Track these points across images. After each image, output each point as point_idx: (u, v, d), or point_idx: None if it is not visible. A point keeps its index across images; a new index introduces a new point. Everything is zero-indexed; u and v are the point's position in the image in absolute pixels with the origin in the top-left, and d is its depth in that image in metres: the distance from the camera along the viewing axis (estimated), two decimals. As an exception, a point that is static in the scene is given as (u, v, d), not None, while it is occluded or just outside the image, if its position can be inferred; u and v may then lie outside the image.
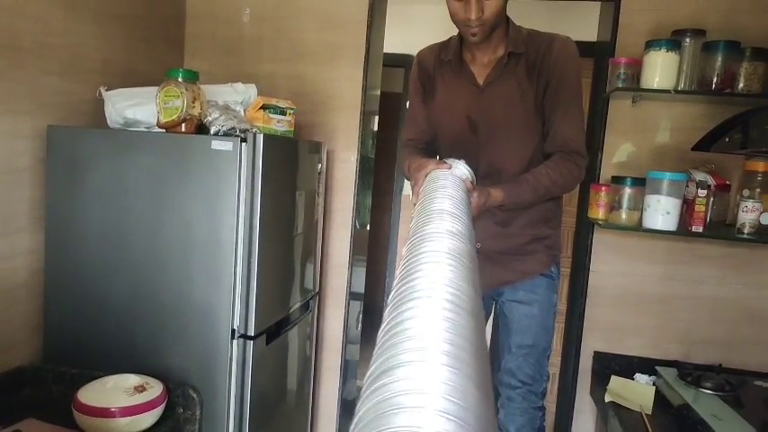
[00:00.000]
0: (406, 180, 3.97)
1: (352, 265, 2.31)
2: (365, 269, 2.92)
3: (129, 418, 1.29)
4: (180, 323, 1.49)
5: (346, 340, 2.39)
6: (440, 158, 1.52)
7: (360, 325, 2.98)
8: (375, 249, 3.89)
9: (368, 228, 2.94)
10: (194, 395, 1.45)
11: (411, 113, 1.63)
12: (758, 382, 1.87)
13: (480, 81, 1.47)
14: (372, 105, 2.31)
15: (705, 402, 1.67)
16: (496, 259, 1.54)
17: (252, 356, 1.49)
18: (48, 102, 1.57)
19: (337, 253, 2.26)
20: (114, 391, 1.34)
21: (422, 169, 1.27)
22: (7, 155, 1.46)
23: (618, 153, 2.03)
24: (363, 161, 2.28)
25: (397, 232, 4.24)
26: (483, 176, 1.47)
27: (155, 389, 1.37)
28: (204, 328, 1.48)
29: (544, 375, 1.56)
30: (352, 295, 2.37)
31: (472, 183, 1.29)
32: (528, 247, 1.54)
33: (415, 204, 1.16)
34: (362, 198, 2.33)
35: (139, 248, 1.51)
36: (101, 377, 1.40)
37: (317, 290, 2.11)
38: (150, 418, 1.34)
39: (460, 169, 1.28)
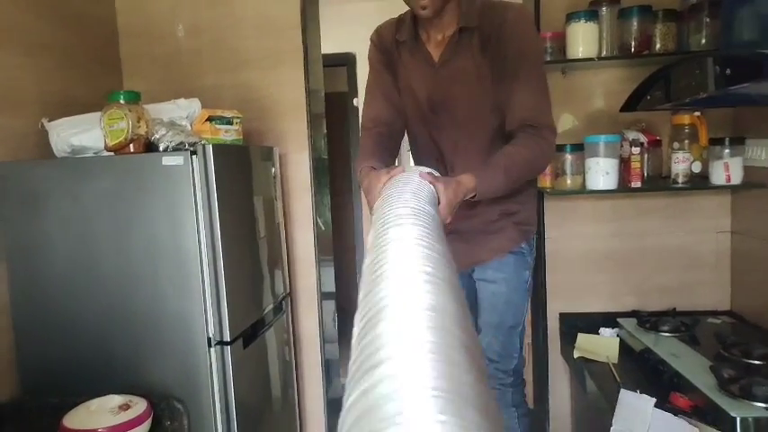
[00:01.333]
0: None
1: (319, 264, 2.36)
2: (333, 269, 2.97)
3: (116, 437, 1.31)
4: (156, 337, 1.52)
5: (324, 340, 2.43)
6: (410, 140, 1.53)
7: (336, 324, 3.03)
8: (342, 249, 3.94)
9: (330, 228, 2.98)
10: (179, 406, 1.48)
11: (370, 91, 1.54)
12: (710, 320, 2.01)
13: (435, 59, 1.41)
14: (318, 107, 2.35)
15: (664, 344, 1.78)
16: (466, 238, 1.51)
17: (231, 361, 1.53)
18: (-9, 139, 1.57)
19: (303, 254, 2.31)
20: (99, 413, 1.36)
21: (374, 188, 1.14)
22: (-44, 196, 1.46)
23: (557, 123, 2.13)
24: (317, 162, 2.33)
25: (361, 230, 4.30)
26: (449, 161, 1.47)
27: (139, 405, 1.39)
28: (180, 339, 1.51)
29: (514, 353, 1.55)
30: (323, 295, 2.41)
31: (434, 174, 1.19)
32: (496, 224, 1.51)
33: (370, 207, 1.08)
34: (321, 198, 2.38)
35: (106, 270, 1.52)
36: (84, 402, 1.41)
37: (288, 290, 2.15)
38: (138, 433, 1.36)
39: (423, 169, 1.20)
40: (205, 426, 1.52)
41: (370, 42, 1.54)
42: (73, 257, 1.54)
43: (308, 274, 2.32)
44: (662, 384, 1.54)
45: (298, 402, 2.26)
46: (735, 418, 1.28)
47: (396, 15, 1.52)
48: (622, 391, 1.28)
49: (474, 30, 1.37)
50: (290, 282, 2.22)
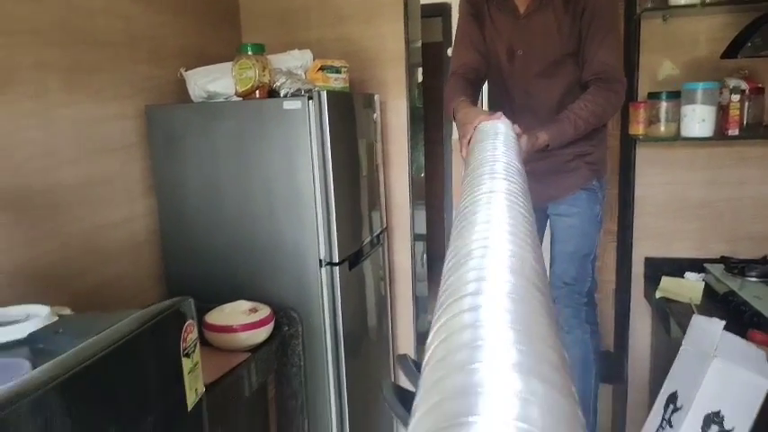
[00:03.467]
0: (454, 125, 4.15)
1: (413, 204, 2.54)
2: (425, 212, 3.16)
3: (247, 333, 1.59)
4: (276, 259, 1.78)
5: (415, 276, 2.65)
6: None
7: (425, 264, 3.24)
8: (433, 196, 4.11)
9: (423, 175, 3.15)
10: (295, 315, 1.74)
11: (460, 39, 1.71)
12: (804, 269, 2.00)
13: (521, 11, 1.58)
14: (416, 57, 2.49)
15: (749, 288, 1.82)
16: (540, 177, 1.64)
17: (339, 279, 1.76)
18: (142, 86, 1.85)
19: (399, 194, 2.50)
20: (232, 314, 1.64)
21: (470, 122, 1.33)
22: (120, 133, 1.76)
23: (655, 70, 2.13)
24: (412, 111, 2.48)
25: (451, 178, 4.43)
26: (519, 109, 1.60)
27: (264, 310, 1.67)
28: (296, 260, 1.77)
29: (588, 277, 1.74)
30: (416, 237, 2.60)
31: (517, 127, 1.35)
32: (570, 165, 1.69)
33: (464, 158, 1.27)
34: (415, 143, 2.54)
35: (234, 200, 1.79)
36: (219, 306, 1.71)
37: (385, 226, 2.36)
38: (264, 333, 1.64)
39: (505, 120, 1.33)
40: (316, 333, 1.79)
41: None
42: (207, 191, 1.82)
43: (402, 214, 2.51)
44: (742, 323, 1.60)
45: (391, 327, 2.51)
46: (809, 352, 1.34)
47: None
48: (695, 316, 1.38)
49: None
50: (386, 219, 2.43)
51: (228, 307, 1.69)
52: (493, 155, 0.92)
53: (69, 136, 1.58)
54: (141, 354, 0.72)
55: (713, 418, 1.20)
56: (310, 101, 1.67)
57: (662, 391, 1.31)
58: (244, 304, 1.69)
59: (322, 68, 1.86)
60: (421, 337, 2.69)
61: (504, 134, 1.15)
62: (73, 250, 1.59)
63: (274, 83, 1.75)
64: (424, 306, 3.09)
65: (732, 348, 1.18)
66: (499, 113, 1.36)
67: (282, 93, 1.73)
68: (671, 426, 1.25)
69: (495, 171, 0.77)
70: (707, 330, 1.20)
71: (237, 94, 1.77)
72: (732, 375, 1.16)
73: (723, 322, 1.19)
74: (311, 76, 1.87)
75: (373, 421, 2.16)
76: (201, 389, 0.87)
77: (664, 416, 1.28)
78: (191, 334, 0.83)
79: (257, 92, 1.74)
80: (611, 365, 2.48)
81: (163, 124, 1.83)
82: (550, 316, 0.41)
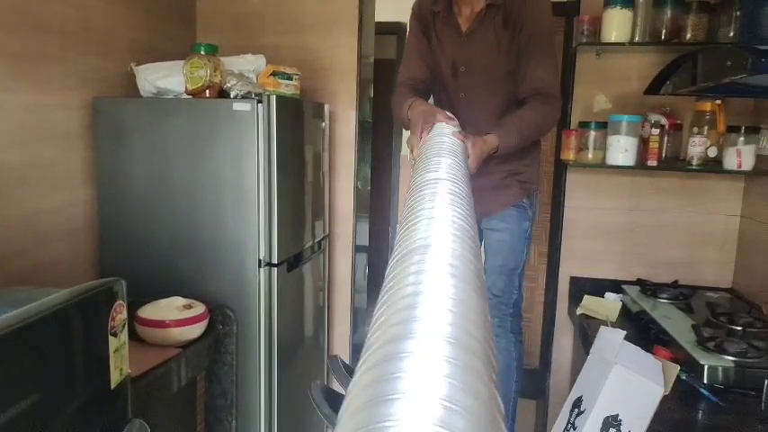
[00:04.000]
0: (403, 143, 4.26)
1: (356, 216, 2.60)
2: (368, 225, 3.23)
3: (180, 329, 1.60)
4: (215, 257, 1.80)
5: (354, 287, 2.70)
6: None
7: (366, 276, 3.30)
8: (377, 210, 4.18)
9: (369, 188, 3.22)
10: (231, 314, 1.76)
11: (409, 52, 1.80)
12: (709, 294, 2.18)
13: (464, 30, 1.67)
14: (368, 72, 2.57)
15: (660, 309, 1.97)
16: (478, 194, 1.79)
17: (276, 280, 1.80)
18: (90, 77, 1.85)
19: (343, 204, 2.55)
20: (167, 309, 1.65)
21: (428, 117, 1.42)
22: (63, 123, 1.75)
23: (588, 101, 2.29)
24: (362, 124, 2.55)
25: (397, 193, 4.53)
26: (462, 120, 1.71)
27: (198, 307, 1.68)
28: (235, 259, 1.79)
29: (514, 290, 1.84)
30: (357, 248, 2.66)
31: (464, 134, 1.44)
32: (504, 182, 1.78)
33: (413, 157, 1.34)
34: (363, 155, 2.61)
35: (178, 196, 1.81)
36: (154, 301, 1.71)
37: (327, 233, 2.41)
38: (197, 329, 1.65)
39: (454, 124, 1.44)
40: (250, 333, 1.81)
41: (411, 10, 1.79)
42: (150, 185, 1.82)
43: (345, 224, 2.57)
44: (648, 339, 1.74)
45: (327, 336, 2.54)
46: (703, 366, 1.48)
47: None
48: (601, 327, 1.49)
49: (500, 6, 1.60)
50: (329, 227, 2.48)
51: (163, 302, 1.69)
52: (439, 156, 0.98)
53: (13, 121, 1.56)
54: (68, 326, 0.74)
55: (611, 422, 1.30)
56: (260, 104, 1.72)
57: (569, 396, 1.41)
58: (179, 300, 1.69)
59: (273, 74, 1.91)
60: (357, 348, 2.73)
61: (448, 140, 1.22)
62: (11, 231, 1.57)
63: (225, 84, 1.79)
64: (362, 318, 3.14)
65: (631, 357, 1.29)
66: (451, 118, 1.46)
67: (233, 94, 1.77)
68: (574, 428, 1.35)
69: (438, 179, 0.80)
70: (610, 340, 1.31)
71: (187, 92, 1.79)
72: (630, 381, 1.27)
73: (624, 332, 1.30)
74: (262, 80, 1.91)
75: (303, 425, 2.19)
76: (127, 370, 0.90)
77: (569, 419, 1.38)
78: (120, 314, 0.86)
79: (207, 91, 1.77)
80: (535, 381, 2.60)
81: (110, 117, 1.83)
82: (485, 325, 0.42)
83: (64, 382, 0.74)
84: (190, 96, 1.80)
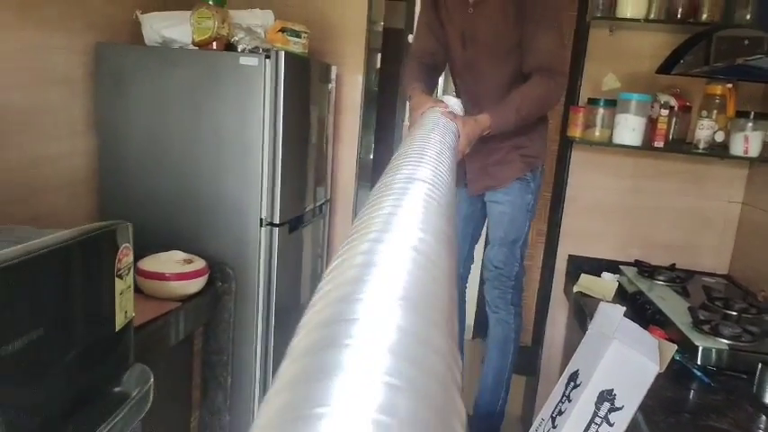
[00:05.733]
0: (407, 113, 4.22)
1: (358, 182, 2.58)
2: (369, 194, 3.20)
3: (180, 282, 1.60)
4: (217, 214, 1.78)
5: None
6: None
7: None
8: (378, 178, 4.15)
9: (371, 157, 3.20)
10: (230, 272, 1.76)
11: (419, 25, 1.83)
12: (705, 279, 2.19)
13: (471, 1, 1.66)
14: (376, 41, 2.52)
15: (656, 290, 1.98)
16: (481, 168, 1.81)
17: (277, 240, 1.79)
18: (94, 22, 1.80)
19: (345, 170, 2.53)
20: (167, 262, 1.64)
21: (419, 107, 1.49)
22: (63, 67, 1.71)
23: (598, 78, 2.26)
24: (367, 92, 2.51)
25: (397, 164, 4.50)
26: (470, 93, 1.70)
27: (198, 262, 1.67)
28: (237, 217, 1.77)
29: (515, 262, 1.86)
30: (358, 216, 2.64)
31: (455, 115, 1.50)
32: (507, 157, 1.79)
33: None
34: (367, 120, 2.58)
35: (180, 150, 1.78)
36: (154, 254, 1.69)
37: (329, 197, 2.40)
38: (196, 284, 1.64)
39: (452, 104, 1.50)
40: (249, 292, 1.81)
41: None
42: (152, 137, 1.79)
43: (346, 190, 2.55)
44: (644, 319, 1.75)
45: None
46: (698, 347, 1.49)
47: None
48: (601, 302, 1.50)
49: None
50: (330, 192, 2.46)
51: (164, 255, 1.68)
52: (421, 146, 0.96)
53: (16, 61, 1.52)
54: (73, 264, 0.73)
55: (606, 396, 1.31)
56: (267, 59, 1.68)
57: (566, 369, 1.42)
58: (179, 254, 1.68)
59: (282, 30, 1.87)
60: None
61: (443, 127, 1.24)
62: (11, 177, 1.54)
63: (232, 37, 1.75)
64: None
65: (630, 333, 1.30)
66: (444, 104, 1.50)
67: (240, 48, 1.73)
68: (569, 401, 1.36)
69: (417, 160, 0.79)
70: (609, 315, 1.31)
71: (194, 44, 1.75)
72: (627, 357, 1.28)
73: (623, 308, 1.30)
74: (271, 36, 1.87)
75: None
76: (131, 313, 0.89)
77: (564, 392, 1.39)
78: (126, 257, 0.84)
79: (214, 43, 1.73)
80: (527, 358, 2.63)
81: (113, 64, 1.79)
82: (449, 297, 0.38)
83: (68, 320, 0.73)
84: (196, 48, 1.76)
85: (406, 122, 4.11)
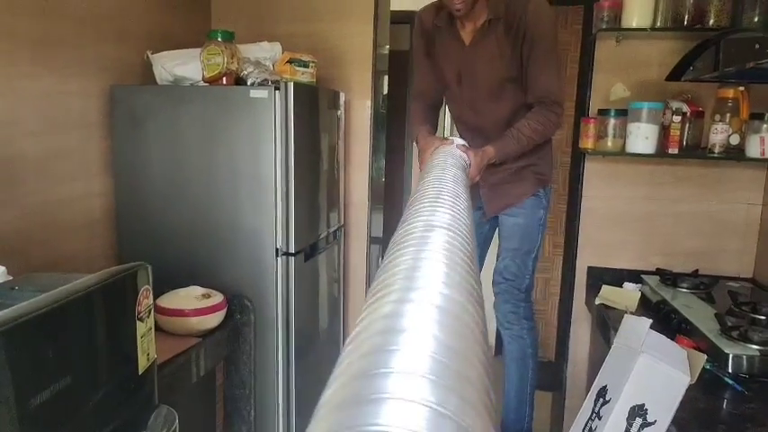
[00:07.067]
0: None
1: (371, 205, 2.59)
2: (382, 215, 3.21)
3: (199, 318, 1.60)
4: (233, 246, 1.80)
5: (369, 278, 2.69)
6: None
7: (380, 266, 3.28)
8: (391, 202, 4.16)
9: (383, 179, 3.21)
10: (248, 303, 1.76)
11: (416, 66, 1.90)
12: (730, 284, 2.15)
13: (467, 43, 1.72)
14: (383, 64, 2.54)
15: (680, 298, 1.94)
16: (495, 188, 1.85)
17: (294, 270, 1.79)
18: (107, 66, 1.84)
19: (357, 194, 2.54)
20: (186, 298, 1.65)
21: (427, 148, 1.57)
22: (80, 111, 1.75)
23: (607, 89, 2.26)
24: (376, 115, 2.53)
25: (410, 186, 4.51)
26: (472, 130, 1.77)
27: (217, 297, 1.68)
28: (253, 248, 1.78)
29: (527, 274, 1.87)
30: (372, 239, 2.65)
31: (466, 146, 1.58)
32: (519, 175, 1.84)
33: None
34: (377, 144, 2.59)
35: (195, 185, 1.80)
36: (173, 290, 1.71)
37: (342, 223, 2.40)
38: (215, 319, 1.65)
39: (458, 143, 1.58)
40: (268, 323, 1.81)
41: (414, 25, 1.86)
42: (168, 174, 1.82)
43: (360, 214, 2.55)
44: (670, 329, 1.72)
45: (343, 328, 2.54)
46: (728, 354, 1.45)
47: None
48: (626, 315, 1.47)
49: (500, 19, 1.65)
50: (344, 217, 2.47)
51: (182, 291, 1.69)
52: (442, 172, 1.02)
53: (32, 108, 1.56)
54: (96, 310, 0.73)
55: (638, 411, 1.28)
56: (277, 91, 1.70)
57: (593, 385, 1.39)
58: (197, 290, 1.69)
59: (290, 61, 1.90)
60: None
61: (453, 161, 1.32)
62: (31, 222, 1.57)
63: (242, 71, 1.78)
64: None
65: (657, 345, 1.27)
66: (451, 140, 1.58)
67: (249, 81, 1.76)
68: (599, 418, 1.33)
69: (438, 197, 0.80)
70: (635, 328, 1.29)
71: (204, 80, 1.78)
72: (656, 370, 1.25)
73: (650, 321, 1.28)
74: (279, 68, 1.90)
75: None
76: (154, 355, 0.89)
77: (594, 408, 1.36)
78: (146, 299, 0.85)
79: (224, 78, 1.76)
80: (551, 374, 2.58)
81: (127, 105, 1.83)
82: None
83: (93, 366, 0.73)
84: (206, 84, 1.79)
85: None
